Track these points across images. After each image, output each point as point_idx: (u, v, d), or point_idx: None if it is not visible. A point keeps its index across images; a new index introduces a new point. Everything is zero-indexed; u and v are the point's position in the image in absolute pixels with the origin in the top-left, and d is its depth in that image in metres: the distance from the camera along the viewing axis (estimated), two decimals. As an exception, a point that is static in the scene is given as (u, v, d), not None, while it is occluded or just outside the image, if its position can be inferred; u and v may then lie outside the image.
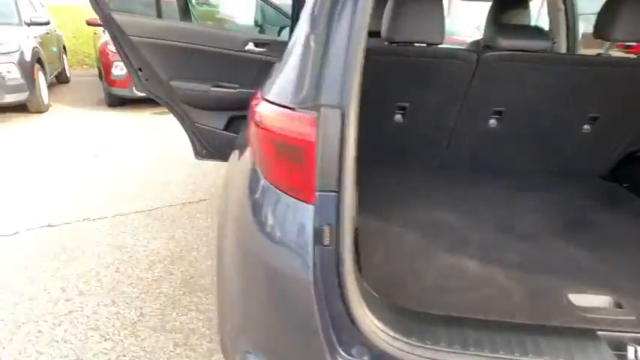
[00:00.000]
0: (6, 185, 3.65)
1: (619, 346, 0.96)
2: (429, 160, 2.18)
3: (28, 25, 6.20)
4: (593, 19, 1.83)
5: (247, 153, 1.13)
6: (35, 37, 6.20)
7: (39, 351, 1.95)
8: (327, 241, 0.85)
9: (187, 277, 2.53)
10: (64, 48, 8.56)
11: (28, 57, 5.67)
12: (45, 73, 6.29)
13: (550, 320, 1.10)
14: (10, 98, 5.43)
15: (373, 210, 1.68)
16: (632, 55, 4.03)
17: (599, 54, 2.03)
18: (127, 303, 2.29)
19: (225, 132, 2.83)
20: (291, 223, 0.89)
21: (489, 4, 2.29)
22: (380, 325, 0.90)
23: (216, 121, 2.79)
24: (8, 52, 5.40)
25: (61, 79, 8.05)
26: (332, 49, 0.87)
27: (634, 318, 1.12)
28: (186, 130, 2.86)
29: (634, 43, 3.15)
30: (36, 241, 2.82)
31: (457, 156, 2.09)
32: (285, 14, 3.94)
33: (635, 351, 0.95)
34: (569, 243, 1.56)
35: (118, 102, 6.54)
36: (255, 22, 5.32)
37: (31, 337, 2.02)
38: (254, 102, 1.12)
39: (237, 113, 2.83)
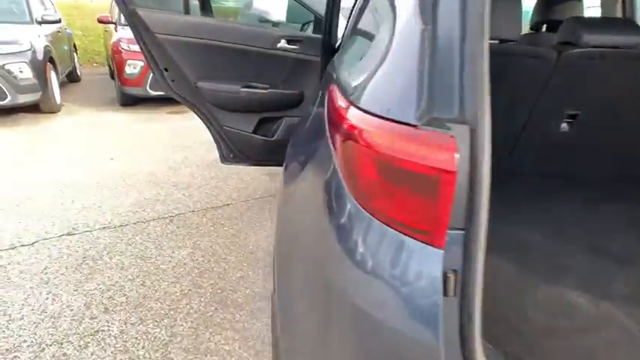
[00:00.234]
0: (22, 190, 3.51)
1: None
2: (492, 167, 1.98)
3: (39, 23, 6.07)
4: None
5: (323, 164, 0.95)
6: (46, 35, 6.06)
7: (65, 377, 1.81)
8: (451, 292, 0.68)
9: (218, 291, 2.37)
10: (75, 46, 8.43)
11: (40, 56, 5.53)
12: (57, 73, 6.16)
13: None
14: (23, 99, 5.30)
15: None
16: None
17: None
18: (156, 321, 2.13)
19: (254, 135, 2.67)
20: (406, 268, 0.71)
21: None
22: None
23: (245, 124, 2.63)
24: (20, 52, 5.26)
25: (72, 78, 7.93)
26: (451, 45, 0.69)
27: None
28: (212, 134, 2.70)
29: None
30: (56, 251, 2.68)
31: (522, 163, 1.90)
32: (309, 9, 3.76)
33: None
34: None
35: (131, 101, 6.39)
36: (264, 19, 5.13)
37: (56, 360, 1.88)
38: (337, 104, 0.93)
39: (268, 115, 2.66)
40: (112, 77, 7.45)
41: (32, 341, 1.98)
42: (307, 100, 2.65)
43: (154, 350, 1.95)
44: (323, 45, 2.49)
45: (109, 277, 2.46)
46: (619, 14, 2.71)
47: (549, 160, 1.88)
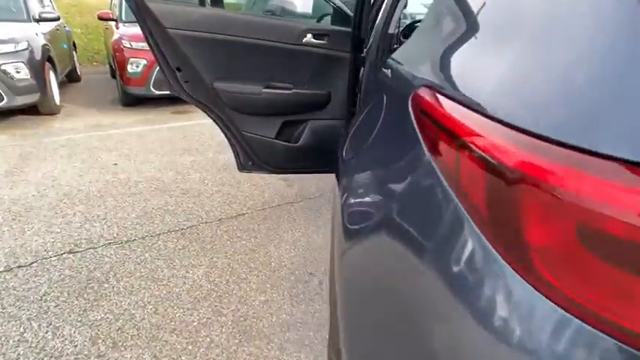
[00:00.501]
0: (18, 201, 3.23)
1: None
2: None
3: (37, 21, 5.76)
4: None
5: (431, 198, 0.68)
6: (44, 33, 5.75)
7: None
8: None
9: (240, 319, 2.10)
10: (74, 45, 8.14)
11: (38, 55, 5.23)
12: (56, 72, 5.86)
13: None
14: (21, 100, 5.01)
15: None
16: None
17: None
18: (173, 358, 1.86)
19: (277, 140, 2.38)
20: None
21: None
22: None
23: (266, 128, 2.34)
24: (17, 51, 4.96)
25: (71, 77, 7.63)
26: None
27: None
28: (229, 139, 2.41)
29: None
30: (57, 273, 2.40)
31: None
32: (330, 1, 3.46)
33: None
34: None
35: (133, 101, 6.10)
36: (273, 12, 4.79)
37: (58, 411, 1.61)
38: (465, 117, 0.65)
39: (292, 118, 2.38)
40: (113, 76, 7.16)
41: (30, 387, 1.71)
42: (335, 100, 2.37)
43: (172, 397, 1.68)
44: (352, 39, 2.21)
45: (116, 303, 2.19)
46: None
47: None
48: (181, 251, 2.66)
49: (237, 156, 2.48)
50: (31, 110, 5.35)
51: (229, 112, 2.24)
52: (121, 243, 2.73)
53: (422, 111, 0.85)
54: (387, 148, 0.99)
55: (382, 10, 2.32)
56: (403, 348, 0.73)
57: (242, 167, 2.50)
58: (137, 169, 3.93)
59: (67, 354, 1.86)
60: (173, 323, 2.06)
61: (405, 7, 2.19)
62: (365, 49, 2.46)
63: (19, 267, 2.44)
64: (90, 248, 2.66)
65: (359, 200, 1.06)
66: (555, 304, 0.48)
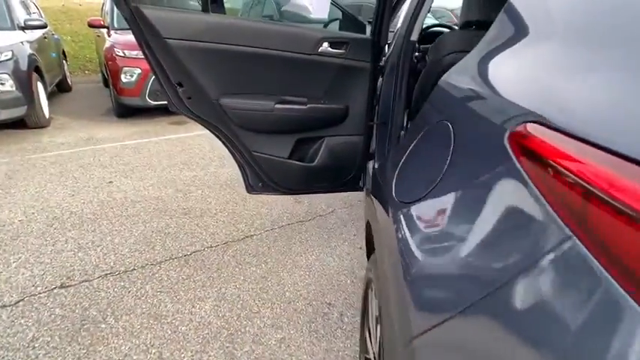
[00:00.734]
0: (3, 228, 2.97)
1: None
2: None
3: (22, 29, 5.49)
4: None
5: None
6: (30, 42, 5.47)
7: None
8: None
9: (256, 364, 1.86)
10: (64, 53, 7.85)
11: (24, 66, 4.96)
12: (44, 83, 5.58)
13: None
14: (5, 115, 4.72)
15: None
16: None
17: None
18: (183, 418, 1.62)
19: (290, 161, 2.15)
20: None
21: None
22: None
23: (278, 147, 2.11)
24: (0, 62, 4.69)
25: (62, 87, 7.35)
26: None
27: None
28: (236, 160, 2.18)
29: None
30: (47, 313, 2.15)
31: None
32: (334, 3, 3.24)
33: None
34: None
35: (128, 112, 5.84)
36: (271, 17, 4.57)
37: None
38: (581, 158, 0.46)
39: (306, 135, 2.15)
40: (106, 85, 6.90)
41: None
42: (353, 114, 2.14)
43: None
44: (372, 47, 1.99)
45: (115, 348, 1.94)
46: None
47: None
48: (186, 281, 2.42)
49: (245, 177, 2.24)
50: (18, 123, 5.07)
51: (237, 130, 2.01)
52: (119, 274, 2.48)
53: (536, 155, 0.63)
54: (476, 194, 0.76)
55: (404, 15, 2.10)
56: None
57: (251, 189, 2.27)
58: (134, 187, 3.67)
59: (60, 417, 1.61)
60: (181, 372, 1.82)
61: (428, 11, 1.97)
62: (383, 58, 2.24)
63: (3, 307, 2.19)
64: (84, 281, 2.41)
65: (444, 273, 0.81)
66: None
